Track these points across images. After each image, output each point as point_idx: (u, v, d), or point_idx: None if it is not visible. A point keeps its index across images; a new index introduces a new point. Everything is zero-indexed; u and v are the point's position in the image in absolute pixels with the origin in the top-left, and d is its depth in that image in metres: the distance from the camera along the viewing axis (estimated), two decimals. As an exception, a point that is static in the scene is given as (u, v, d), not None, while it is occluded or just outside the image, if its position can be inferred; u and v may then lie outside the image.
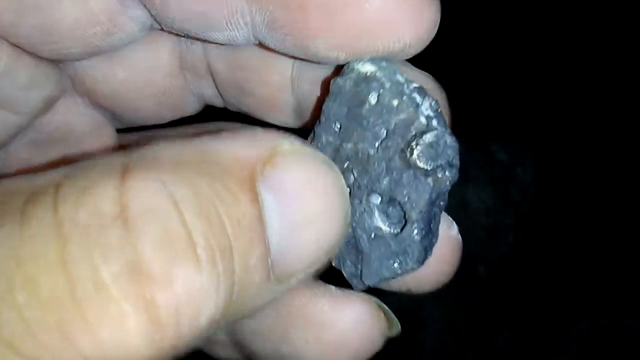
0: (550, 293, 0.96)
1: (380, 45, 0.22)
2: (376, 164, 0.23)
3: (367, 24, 0.21)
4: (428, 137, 0.22)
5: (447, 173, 0.22)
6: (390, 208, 0.24)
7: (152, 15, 0.25)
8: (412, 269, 0.24)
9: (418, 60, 0.25)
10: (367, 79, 0.23)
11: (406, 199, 0.23)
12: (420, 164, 0.22)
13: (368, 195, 0.23)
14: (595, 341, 0.90)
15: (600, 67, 0.92)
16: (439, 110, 0.22)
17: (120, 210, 0.16)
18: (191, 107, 0.32)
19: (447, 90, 0.26)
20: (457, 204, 0.92)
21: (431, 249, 0.24)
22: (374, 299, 0.26)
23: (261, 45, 0.25)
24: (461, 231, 0.26)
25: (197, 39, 0.26)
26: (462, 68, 0.90)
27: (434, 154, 0.22)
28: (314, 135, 0.24)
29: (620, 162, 0.93)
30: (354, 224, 0.24)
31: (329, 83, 0.24)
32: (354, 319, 0.25)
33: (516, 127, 0.98)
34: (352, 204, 0.24)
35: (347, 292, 0.26)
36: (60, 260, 0.16)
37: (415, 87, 0.22)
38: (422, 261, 0.24)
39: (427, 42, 0.23)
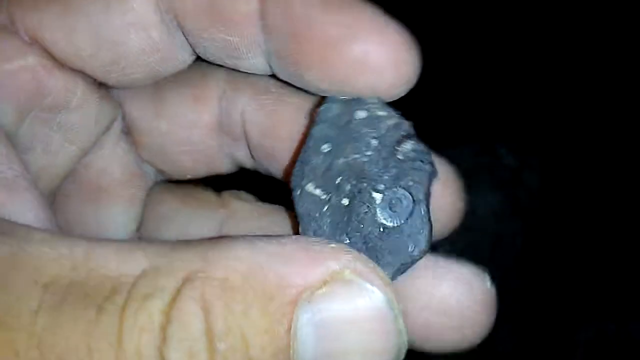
0: (558, 298, 0.95)
1: (364, 83, 0.24)
2: (372, 167, 0.25)
3: (352, 61, 0.24)
4: (410, 144, 0.25)
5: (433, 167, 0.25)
6: (393, 200, 0.25)
7: (190, 45, 0.28)
8: (425, 251, 0.25)
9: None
10: (355, 100, 0.25)
11: (410, 183, 0.25)
12: (410, 154, 0.25)
13: (370, 195, 0.25)
14: (602, 346, 0.89)
15: (609, 72, 0.92)
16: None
17: (166, 321, 0.18)
18: (225, 168, 0.34)
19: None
20: (464, 209, 0.92)
21: (432, 234, 0.26)
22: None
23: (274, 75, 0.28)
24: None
25: (229, 68, 0.29)
26: (469, 72, 0.90)
27: (420, 151, 0.25)
28: (302, 162, 0.26)
29: (628, 167, 0.92)
30: (361, 226, 0.25)
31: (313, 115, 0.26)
32: (455, 283, 0.27)
33: (523, 131, 0.98)
34: (354, 209, 0.25)
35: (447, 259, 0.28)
36: None
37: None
38: (430, 242, 0.25)
39: (408, 85, 0.25)
